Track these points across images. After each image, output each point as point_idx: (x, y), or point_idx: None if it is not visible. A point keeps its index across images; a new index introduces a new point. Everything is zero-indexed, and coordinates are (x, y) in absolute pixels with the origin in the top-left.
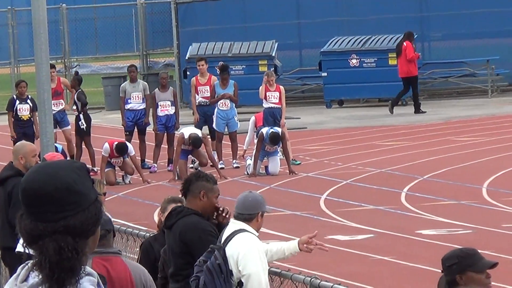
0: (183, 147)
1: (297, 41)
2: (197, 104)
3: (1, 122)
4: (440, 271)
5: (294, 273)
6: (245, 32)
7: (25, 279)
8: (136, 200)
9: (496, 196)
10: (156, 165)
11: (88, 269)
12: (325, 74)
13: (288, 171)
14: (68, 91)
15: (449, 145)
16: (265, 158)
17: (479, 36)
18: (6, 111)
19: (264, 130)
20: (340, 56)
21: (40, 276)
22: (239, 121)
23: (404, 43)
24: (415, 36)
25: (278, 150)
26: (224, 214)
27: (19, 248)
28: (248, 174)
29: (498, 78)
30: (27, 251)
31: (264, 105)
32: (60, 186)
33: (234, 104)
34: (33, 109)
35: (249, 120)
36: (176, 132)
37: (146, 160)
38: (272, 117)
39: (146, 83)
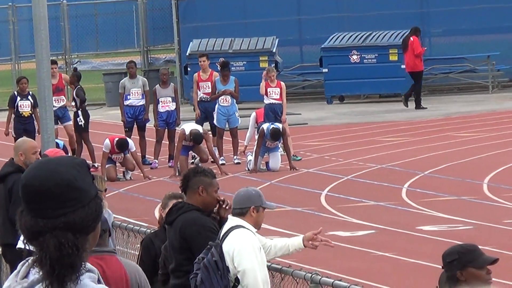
0: (184, 143)
1: (298, 37)
2: (198, 100)
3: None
4: (440, 267)
5: (295, 269)
6: (245, 28)
7: (26, 276)
8: (137, 196)
9: (497, 191)
10: (157, 161)
11: (89, 265)
12: (326, 70)
13: (289, 167)
14: (69, 87)
15: (449, 141)
16: (266, 154)
17: (479, 32)
18: (7, 108)
19: (265, 126)
20: (340, 52)
21: (41, 273)
22: (240, 117)
23: (411, 38)
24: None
25: (279, 146)
26: (224, 206)
27: (20, 244)
28: (249, 170)
29: (499, 74)
30: (27, 247)
31: (265, 101)
32: (61, 182)
33: (235, 100)
34: (34, 106)
35: (250, 116)
36: (177, 128)
37: (147, 156)
38: (273, 113)
39: (145, 79)
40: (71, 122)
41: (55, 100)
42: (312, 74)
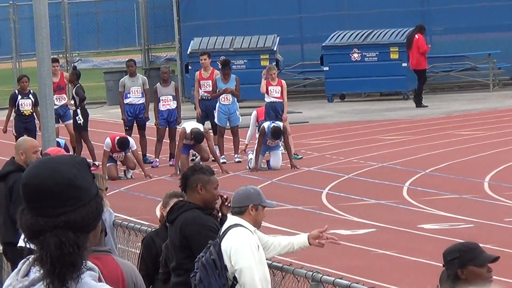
0: (184, 141)
1: (299, 35)
2: (199, 98)
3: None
4: (441, 265)
5: (296, 268)
6: (246, 26)
7: (26, 274)
8: (138, 194)
9: (498, 190)
10: (158, 159)
11: (90, 264)
12: (327, 68)
13: (289, 165)
14: (70, 85)
15: (450, 139)
16: (266, 152)
17: (480, 30)
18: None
19: (266, 124)
20: (341, 50)
21: (41, 271)
22: (241, 115)
23: (416, 36)
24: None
25: (280, 145)
26: (227, 204)
27: (21, 243)
28: (250, 168)
29: (500, 72)
30: (28, 246)
31: (266, 99)
32: (61, 181)
33: (235, 99)
34: (35, 104)
35: (250, 115)
36: (177, 126)
37: (147, 154)
38: (274, 111)
39: (145, 77)
40: (72, 121)
41: (56, 98)
42: (313, 72)
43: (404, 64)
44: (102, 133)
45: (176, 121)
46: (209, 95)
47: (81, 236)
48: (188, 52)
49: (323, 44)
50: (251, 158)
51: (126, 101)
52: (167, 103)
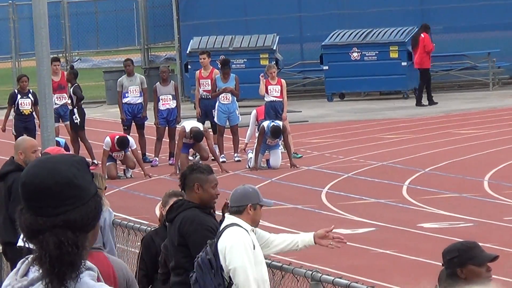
0: (184, 140)
1: (298, 34)
2: (199, 97)
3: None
4: (441, 264)
5: (295, 267)
6: (246, 25)
7: (25, 274)
8: (137, 194)
9: (498, 189)
10: (157, 159)
11: (88, 263)
12: (326, 67)
13: (289, 164)
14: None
15: (450, 138)
16: (266, 151)
17: (480, 29)
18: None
19: (265, 123)
20: (341, 49)
21: (41, 271)
22: (241, 114)
23: (422, 35)
24: (416, 29)
25: (280, 144)
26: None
27: (20, 242)
28: (249, 167)
29: (499, 71)
30: (27, 245)
31: (265, 98)
32: (60, 180)
33: (235, 98)
34: (35, 104)
35: (250, 114)
36: (177, 126)
37: (147, 154)
38: (274, 110)
39: (143, 76)
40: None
41: (57, 97)
42: (312, 71)
43: (404, 63)
44: (101, 133)
45: (175, 121)
46: (208, 94)
47: (80, 235)
48: (187, 52)
49: (323, 43)
50: (251, 157)
51: (125, 100)
52: (167, 102)
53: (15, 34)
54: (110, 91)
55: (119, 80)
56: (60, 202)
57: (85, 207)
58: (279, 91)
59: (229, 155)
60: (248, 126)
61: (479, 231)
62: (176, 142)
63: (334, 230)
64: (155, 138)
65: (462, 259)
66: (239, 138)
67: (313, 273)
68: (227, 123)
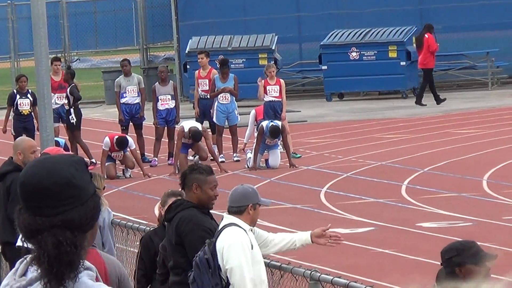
0: (183, 140)
1: (297, 34)
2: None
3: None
4: (439, 263)
5: (294, 266)
6: (245, 25)
7: (24, 274)
8: (136, 194)
9: (497, 188)
10: (156, 159)
11: (87, 263)
12: (325, 67)
13: (288, 164)
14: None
15: (449, 138)
16: (265, 151)
17: (479, 29)
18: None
19: (264, 123)
20: (340, 49)
21: (39, 271)
22: (239, 114)
23: (426, 35)
24: (415, 28)
25: (279, 144)
26: None
27: (19, 242)
28: (248, 167)
29: (498, 71)
30: (25, 245)
31: (264, 98)
32: (59, 180)
33: (234, 98)
34: (34, 104)
35: (249, 114)
36: (176, 126)
37: (146, 154)
38: (273, 110)
39: (140, 76)
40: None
41: (57, 97)
42: (311, 71)
43: (403, 63)
44: (100, 133)
45: (174, 121)
46: (206, 94)
47: (79, 235)
48: (186, 51)
49: (322, 43)
50: (250, 157)
51: (122, 100)
52: (166, 102)
53: (13, 34)
54: (109, 91)
55: (116, 80)
56: (58, 202)
57: (83, 207)
58: (278, 91)
59: (228, 155)
60: (247, 126)
61: (478, 231)
62: (175, 142)
63: (331, 229)
64: (154, 138)
65: (461, 259)
66: (238, 138)
67: (312, 272)
68: (226, 123)
